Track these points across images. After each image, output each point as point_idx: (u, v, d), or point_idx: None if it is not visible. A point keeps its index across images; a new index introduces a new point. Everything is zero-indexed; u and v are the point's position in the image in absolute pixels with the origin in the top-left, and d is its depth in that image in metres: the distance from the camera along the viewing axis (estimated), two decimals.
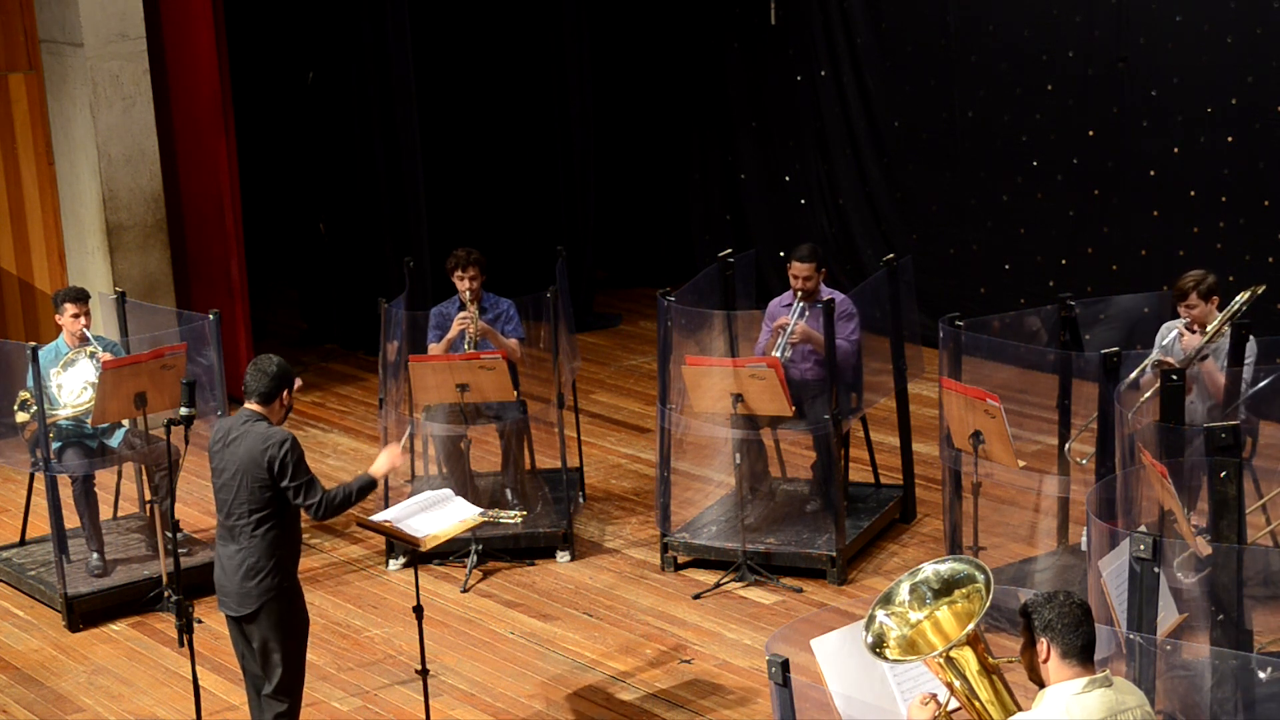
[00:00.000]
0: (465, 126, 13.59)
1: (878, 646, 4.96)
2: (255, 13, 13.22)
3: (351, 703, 7.77)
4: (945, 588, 4.98)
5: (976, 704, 4.86)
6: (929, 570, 5.02)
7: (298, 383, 6.81)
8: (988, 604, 4.85)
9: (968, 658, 4.85)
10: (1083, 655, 4.71)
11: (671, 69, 13.74)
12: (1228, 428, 6.19)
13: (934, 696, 4.91)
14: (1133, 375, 7.89)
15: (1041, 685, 4.77)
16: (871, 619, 5.01)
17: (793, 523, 9.10)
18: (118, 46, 10.86)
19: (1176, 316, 8.23)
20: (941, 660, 4.86)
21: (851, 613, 7.68)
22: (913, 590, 5.01)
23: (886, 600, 5.02)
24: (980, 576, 4.93)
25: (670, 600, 8.67)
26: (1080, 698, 4.66)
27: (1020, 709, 4.83)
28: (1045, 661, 4.73)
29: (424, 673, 7.31)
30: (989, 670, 4.87)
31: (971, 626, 4.82)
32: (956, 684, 4.86)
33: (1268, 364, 8.07)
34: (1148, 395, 7.60)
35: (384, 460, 6.96)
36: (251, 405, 6.65)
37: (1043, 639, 4.72)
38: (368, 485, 6.84)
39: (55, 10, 10.91)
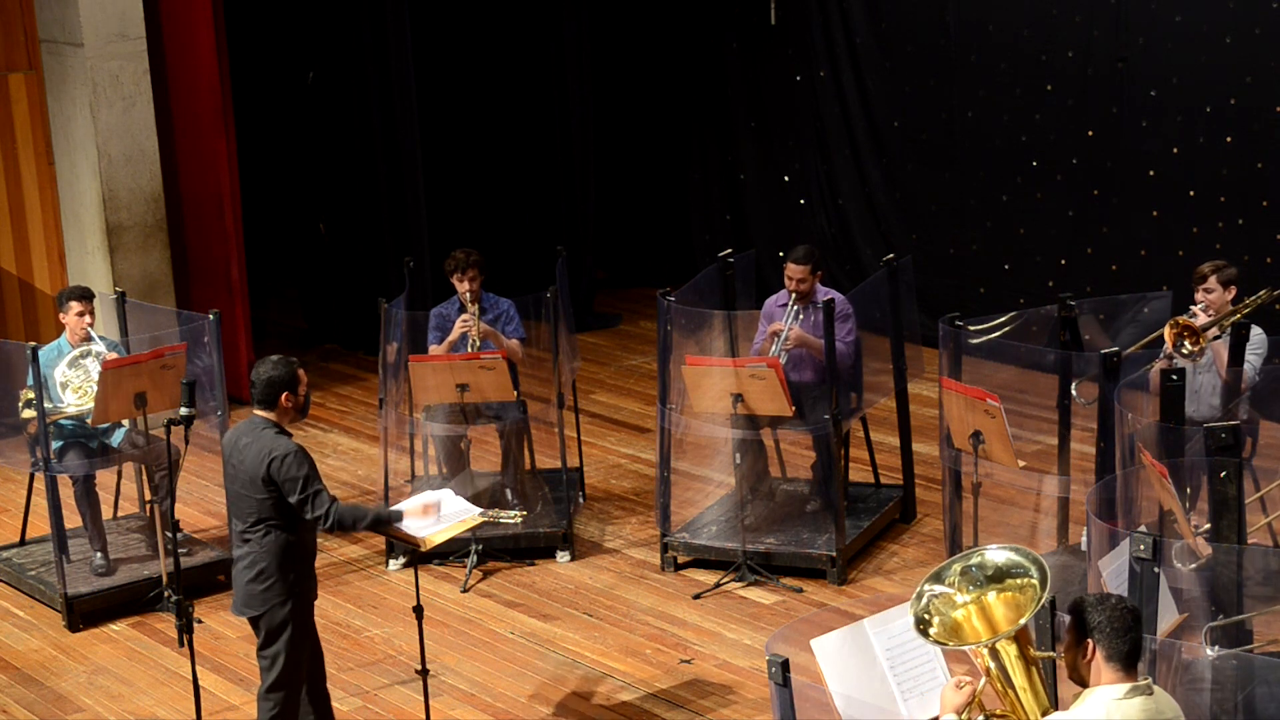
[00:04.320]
0: (465, 126, 13.59)
1: (922, 624, 4.96)
2: (255, 13, 13.22)
3: (351, 703, 7.76)
4: (998, 575, 4.99)
5: (1010, 693, 4.87)
6: (987, 555, 5.03)
7: (303, 382, 6.73)
8: (1042, 602, 4.86)
9: (1009, 647, 4.87)
10: (1127, 661, 4.73)
11: (671, 69, 13.75)
12: (1228, 428, 6.19)
13: (970, 680, 4.92)
14: (1133, 348, 7.93)
15: (1082, 684, 4.79)
16: (919, 595, 5.01)
17: (793, 523, 9.10)
18: (118, 46, 10.86)
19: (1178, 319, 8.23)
20: (985, 648, 4.88)
21: (851, 613, 7.68)
22: (964, 572, 5.01)
23: (936, 578, 5.03)
24: (1036, 573, 4.94)
25: (670, 600, 8.67)
26: (1121, 703, 4.69)
27: (1053, 705, 4.86)
28: (1089, 662, 4.75)
29: (424, 673, 7.31)
30: (1028, 661, 4.88)
31: (1024, 621, 4.84)
32: (993, 668, 4.87)
33: (1267, 364, 8.07)
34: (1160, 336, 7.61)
35: (417, 510, 6.91)
36: (258, 411, 6.66)
37: (1090, 640, 4.74)
38: (386, 520, 6.82)
39: (55, 10, 10.91)
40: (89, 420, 8.63)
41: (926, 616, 4.97)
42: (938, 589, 5.01)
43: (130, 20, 10.89)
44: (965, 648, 4.94)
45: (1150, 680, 4.80)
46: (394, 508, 6.93)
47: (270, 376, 6.62)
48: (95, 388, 8.59)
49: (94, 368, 8.70)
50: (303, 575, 6.72)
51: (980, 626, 4.95)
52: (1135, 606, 4.80)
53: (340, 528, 6.65)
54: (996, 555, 5.02)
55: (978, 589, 4.99)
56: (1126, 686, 4.72)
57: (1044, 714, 4.88)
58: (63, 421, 8.69)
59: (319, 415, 11.46)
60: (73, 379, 8.71)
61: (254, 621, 6.73)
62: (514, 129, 13.64)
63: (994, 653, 4.88)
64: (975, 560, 5.03)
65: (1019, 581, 4.96)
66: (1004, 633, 4.85)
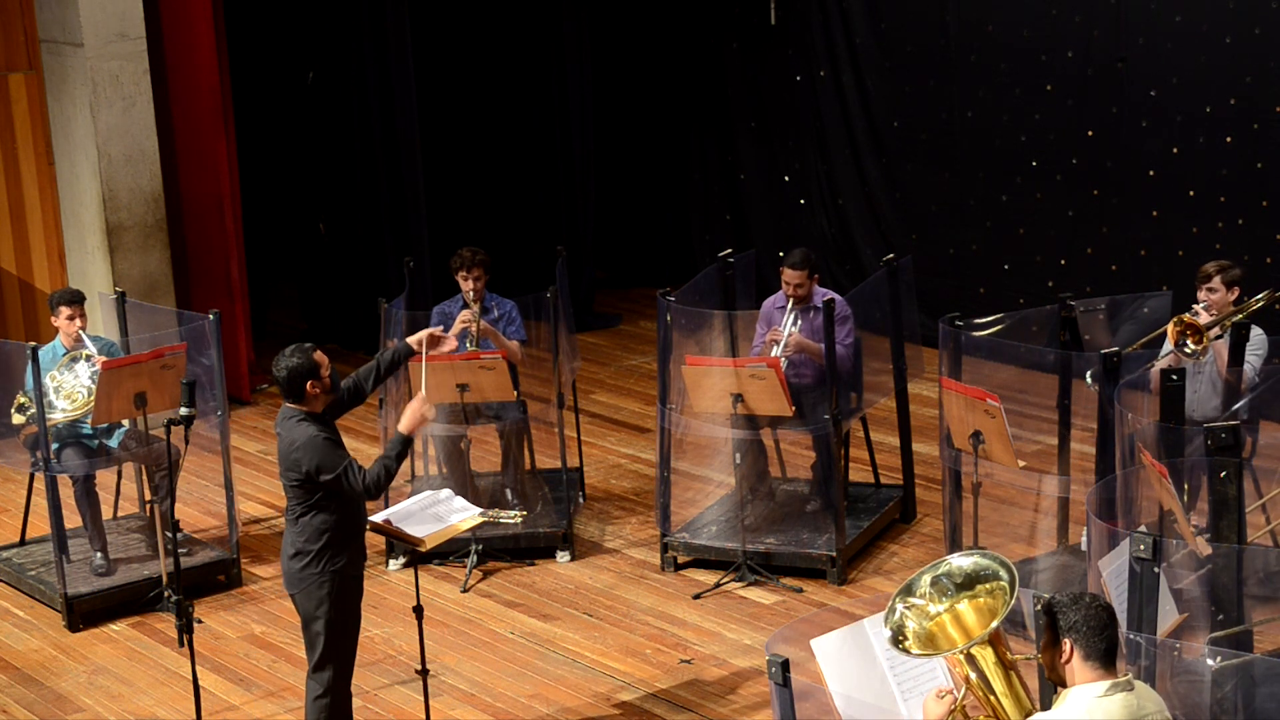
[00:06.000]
0: (465, 126, 13.59)
1: (897, 638, 4.96)
2: (255, 13, 13.22)
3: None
4: (968, 582, 4.98)
5: (992, 699, 4.87)
6: (953, 563, 5.01)
7: (324, 365, 6.75)
8: (1011, 603, 4.85)
9: (986, 653, 4.86)
10: (1105, 659, 4.72)
11: (671, 69, 13.75)
12: (1228, 428, 6.19)
13: (950, 690, 4.92)
14: (1134, 346, 7.94)
15: (1061, 685, 4.78)
16: (891, 610, 5.01)
17: (793, 523, 9.10)
18: (118, 46, 10.86)
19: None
20: (961, 654, 4.87)
21: (851, 613, 7.68)
22: (934, 582, 5.01)
23: (907, 591, 5.02)
24: (1005, 575, 4.93)
25: (670, 600, 8.67)
26: (1102, 700, 4.68)
27: (1035, 706, 4.85)
28: (1067, 662, 4.75)
29: (424, 673, 7.32)
30: (1006, 665, 4.88)
31: (995, 624, 4.82)
32: (973, 677, 4.87)
33: (1267, 364, 8.08)
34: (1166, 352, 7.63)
35: (409, 416, 6.90)
36: (288, 403, 6.75)
37: (1066, 640, 4.73)
38: (403, 447, 6.83)
39: (55, 10, 10.91)
40: (88, 421, 8.64)
41: (901, 631, 4.97)
42: (910, 602, 5.00)
43: (130, 20, 10.89)
44: (941, 655, 4.94)
45: (1130, 676, 4.79)
46: (396, 435, 6.86)
47: (289, 368, 6.69)
48: (86, 392, 8.60)
49: (84, 371, 8.70)
50: (340, 555, 6.76)
51: (956, 636, 4.94)
52: (1109, 604, 4.79)
53: (381, 487, 6.73)
54: (963, 561, 5.01)
55: (949, 598, 4.98)
56: (1107, 684, 4.71)
57: (1027, 716, 4.88)
58: (60, 423, 8.69)
59: None
60: (64, 383, 8.71)
61: (294, 599, 6.84)
62: (514, 129, 13.63)
63: (971, 660, 4.87)
64: (943, 569, 5.02)
65: (989, 586, 4.95)
66: (976, 638, 4.84)
